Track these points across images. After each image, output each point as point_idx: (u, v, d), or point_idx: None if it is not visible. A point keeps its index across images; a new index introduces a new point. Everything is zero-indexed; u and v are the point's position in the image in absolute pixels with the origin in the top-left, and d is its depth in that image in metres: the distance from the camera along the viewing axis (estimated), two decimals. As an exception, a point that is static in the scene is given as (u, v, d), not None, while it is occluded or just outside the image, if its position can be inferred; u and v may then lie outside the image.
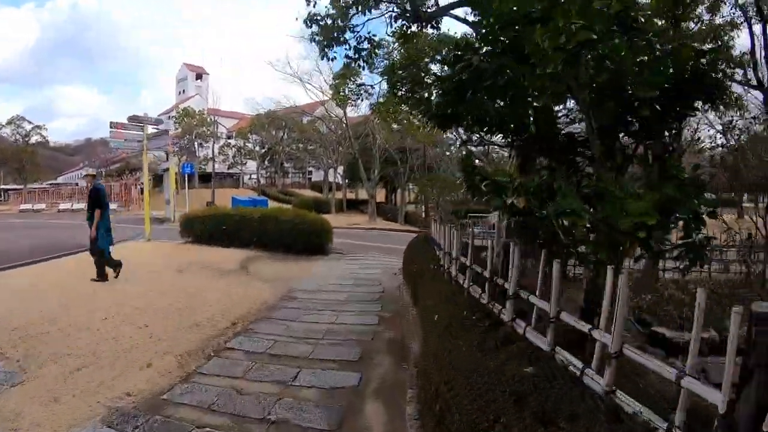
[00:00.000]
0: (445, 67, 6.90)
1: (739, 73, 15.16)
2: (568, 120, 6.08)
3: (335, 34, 12.75)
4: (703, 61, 4.50)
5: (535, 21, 4.22)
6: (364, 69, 14.63)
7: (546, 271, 4.40)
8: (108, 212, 10.86)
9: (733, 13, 14.92)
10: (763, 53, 15.11)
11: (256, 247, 16.31)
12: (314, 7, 12.73)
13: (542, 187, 4.36)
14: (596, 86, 4.46)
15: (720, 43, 13.93)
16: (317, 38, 13.06)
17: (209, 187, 60.69)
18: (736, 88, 14.77)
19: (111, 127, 18.80)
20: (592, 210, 3.94)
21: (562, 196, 3.78)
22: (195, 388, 5.49)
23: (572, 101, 5.52)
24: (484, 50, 5.18)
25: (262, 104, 72.40)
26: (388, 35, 13.99)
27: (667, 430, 2.63)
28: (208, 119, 65.08)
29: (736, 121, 16.26)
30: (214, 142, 65.75)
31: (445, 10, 13.21)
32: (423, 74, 14.92)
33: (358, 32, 13.24)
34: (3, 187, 76.30)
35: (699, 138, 20.46)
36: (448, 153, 54.73)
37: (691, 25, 13.69)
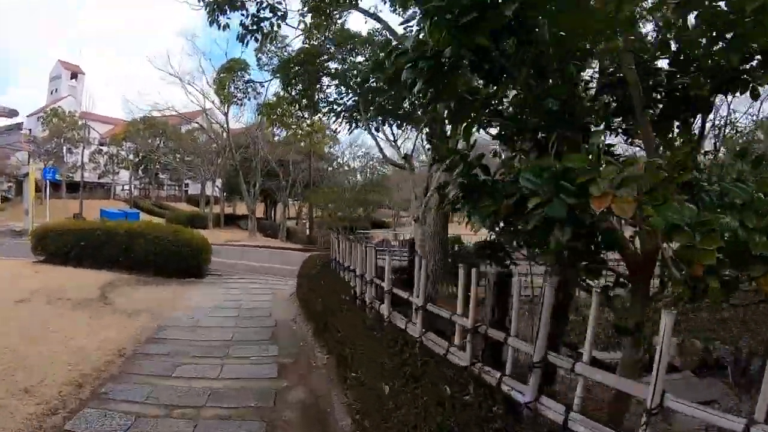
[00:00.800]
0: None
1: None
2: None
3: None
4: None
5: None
6: (261, 45, 12.67)
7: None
8: None
9: None
10: None
11: (122, 267, 14.00)
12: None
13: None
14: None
15: None
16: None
17: (77, 198, 55.66)
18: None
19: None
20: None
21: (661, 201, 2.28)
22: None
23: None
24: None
25: (138, 107, 67.14)
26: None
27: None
28: (80, 122, 59.62)
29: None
30: (84, 148, 60.31)
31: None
32: (321, 73, 13.51)
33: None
34: None
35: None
36: (330, 168, 53.59)
37: None
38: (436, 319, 5.14)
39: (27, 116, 69.39)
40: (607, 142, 4.43)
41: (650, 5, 4.10)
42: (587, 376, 3.20)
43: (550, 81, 3.84)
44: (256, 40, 10.71)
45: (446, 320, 4.79)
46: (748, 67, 3.80)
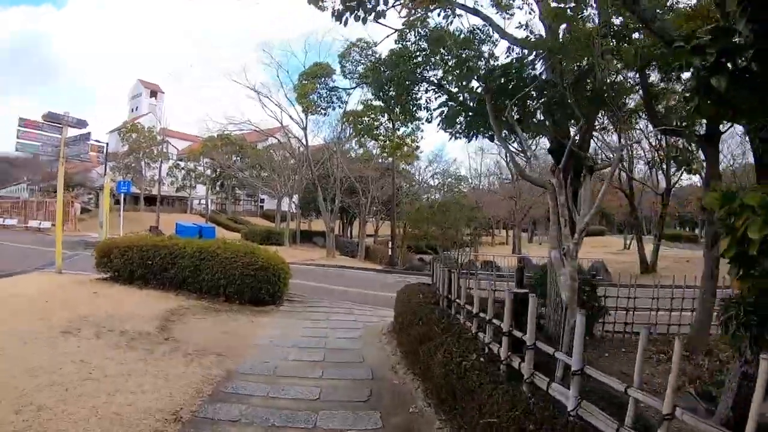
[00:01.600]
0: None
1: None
2: None
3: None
4: None
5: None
6: (365, 21, 10.80)
7: None
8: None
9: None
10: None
11: (191, 291, 12.45)
12: None
13: None
14: None
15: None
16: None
17: (155, 211, 56.53)
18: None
19: (20, 126, 14.69)
20: None
21: None
22: None
23: None
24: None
25: (215, 121, 67.96)
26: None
27: None
28: (158, 137, 61.00)
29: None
30: (161, 162, 61.61)
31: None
32: (416, 75, 11.66)
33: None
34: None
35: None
36: (408, 185, 51.83)
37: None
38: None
39: (108, 132, 71.70)
40: None
41: None
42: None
43: None
44: (357, 18, 8.79)
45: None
46: None
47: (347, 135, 39.49)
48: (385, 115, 13.85)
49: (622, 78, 10.18)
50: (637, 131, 23.56)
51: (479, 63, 8.98)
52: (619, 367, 6.97)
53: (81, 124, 15.97)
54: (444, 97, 12.14)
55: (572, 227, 6.42)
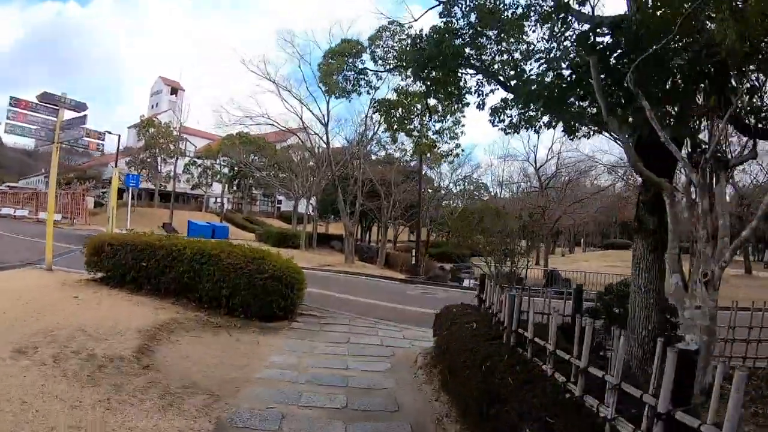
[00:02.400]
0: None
1: None
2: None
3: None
4: None
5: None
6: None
7: None
8: None
9: None
10: None
11: (188, 299, 10.59)
12: None
13: None
14: None
15: None
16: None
17: (170, 207, 55.89)
18: None
19: (11, 105, 13.10)
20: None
21: None
22: None
23: None
24: None
25: (231, 114, 66.42)
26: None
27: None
28: (174, 133, 59.96)
29: None
30: (177, 158, 60.55)
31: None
32: (464, 58, 9.83)
33: None
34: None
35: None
36: (430, 191, 49.86)
37: None
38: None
39: (129, 128, 70.96)
40: None
41: None
42: None
43: None
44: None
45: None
46: None
47: (371, 134, 37.66)
48: (420, 105, 11.94)
49: None
50: None
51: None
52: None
53: (80, 107, 14.30)
54: (492, 86, 10.33)
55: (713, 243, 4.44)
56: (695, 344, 4.32)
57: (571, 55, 6.22)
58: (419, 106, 12.87)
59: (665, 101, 5.57)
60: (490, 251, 8.11)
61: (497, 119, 10.58)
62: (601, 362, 4.28)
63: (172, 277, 10.84)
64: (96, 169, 68.60)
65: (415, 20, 10.59)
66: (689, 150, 5.45)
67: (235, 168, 61.93)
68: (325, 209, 50.35)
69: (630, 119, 5.73)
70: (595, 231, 68.66)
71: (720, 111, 4.95)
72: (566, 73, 6.68)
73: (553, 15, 7.54)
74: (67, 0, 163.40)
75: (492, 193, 60.39)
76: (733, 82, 5.27)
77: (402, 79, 12.74)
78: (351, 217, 36.58)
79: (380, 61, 12.82)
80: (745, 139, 5.96)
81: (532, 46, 10.02)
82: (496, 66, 9.97)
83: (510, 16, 9.53)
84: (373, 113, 12.06)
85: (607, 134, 8.82)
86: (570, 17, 6.96)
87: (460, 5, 9.84)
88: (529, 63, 10.14)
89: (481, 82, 10.23)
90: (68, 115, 14.00)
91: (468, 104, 10.18)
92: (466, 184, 55.29)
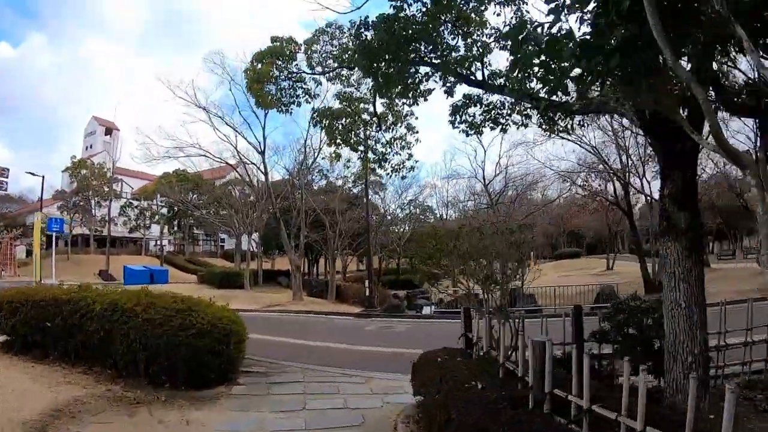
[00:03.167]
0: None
1: None
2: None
3: None
4: None
5: None
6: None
7: None
8: None
9: None
10: None
11: (101, 366, 8.48)
12: None
13: None
14: None
15: None
16: None
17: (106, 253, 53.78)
18: None
19: None
20: None
21: None
22: None
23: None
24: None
25: (159, 145, 63.30)
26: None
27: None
28: (108, 174, 56.93)
29: None
30: (111, 201, 57.46)
31: None
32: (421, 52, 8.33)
33: None
34: None
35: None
36: (376, 216, 48.25)
37: None
38: None
39: (62, 171, 67.16)
40: None
41: None
42: None
43: None
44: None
45: None
46: None
47: (311, 161, 35.82)
48: (367, 115, 10.29)
49: None
50: None
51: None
52: None
53: None
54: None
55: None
56: None
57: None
58: (365, 116, 11.20)
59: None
60: (470, 276, 6.70)
61: (458, 119, 9.11)
62: None
63: (81, 339, 8.75)
64: (26, 216, 64.34)
65: (358, 8, 8.89)
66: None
67: (174, 208, 58.99)
68: (269, 244, 48.36)
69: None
70: (545, 243, 68.46)
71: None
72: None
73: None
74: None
75: (438, 215, 59.42)
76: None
77: (345, 86, 11.06)
78: (296, 250, 34.44)
79: (318, 68, 11.04)
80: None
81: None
82: (456, 57, 8.44)
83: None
84: (314, 125, 10.09)
85: (607, 120, 7.34)
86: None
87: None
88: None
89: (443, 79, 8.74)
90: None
91: (431, 91, 8.60)
92: (412, 207, 53.97)
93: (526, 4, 8.38)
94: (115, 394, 7.55)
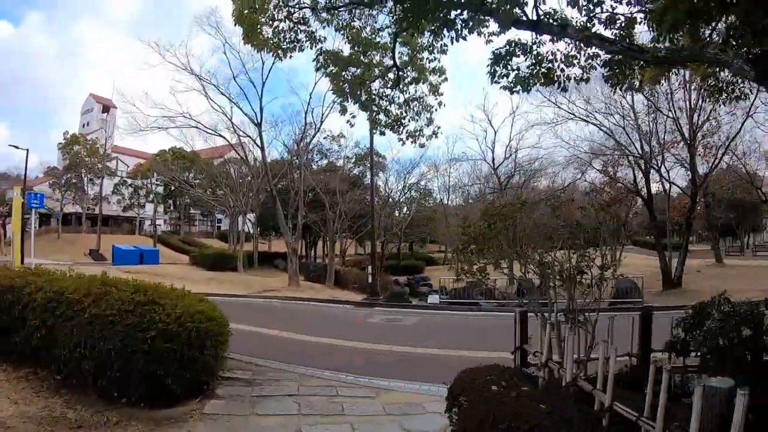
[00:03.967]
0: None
1: None
2: None
3: None
4: None
5: None
6: None
7: None
8: None
9: None
10: None
11: (47, 371, 6.77)
12: None
13: None
14: None
15: None
16: None
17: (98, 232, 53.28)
18: None
19: None
20: None
21: None
22: None
23: None
24: None
25: (146, 114, 60.84)
26: None
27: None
28: (101, 151, 55.03)
29: None
30: (103, 178, 55.66)
31: None
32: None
33: None
34: None
35: None
36: (378, 200, 46.50)
37: None
38: None
39: (58, 148, 65.13)
40: None
41: None
42: None
43: None
44: None
45: None
46: None
47: (311, 138, 33.86)
48: (385, 61, 8.45)
49: None
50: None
51: None
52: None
53: None
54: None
55: None
56: None
57: None
58: (377, 71, 9.34)
59: None
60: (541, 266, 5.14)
61: (500, 72, 7.26)
62: None
63: (23, 337, 6.94)
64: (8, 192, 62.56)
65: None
66: None
67: (171, 186, 56.98)
68: (266, 225, 46.70)
69: None
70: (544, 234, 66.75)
71: None
72: None
73: None
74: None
75: (438, 200, 57.77)
76: None
77: (359, 22, 9.15)
78: (294, 231, 32.49)
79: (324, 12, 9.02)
80: None
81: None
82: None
83: None
84: (316, 70, 8.18)
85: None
86: None
87: None
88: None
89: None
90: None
91: (470, 26, 6.70)
92: (413, 192, 51.97)
93: None
94: (52, 413, 5.77)
